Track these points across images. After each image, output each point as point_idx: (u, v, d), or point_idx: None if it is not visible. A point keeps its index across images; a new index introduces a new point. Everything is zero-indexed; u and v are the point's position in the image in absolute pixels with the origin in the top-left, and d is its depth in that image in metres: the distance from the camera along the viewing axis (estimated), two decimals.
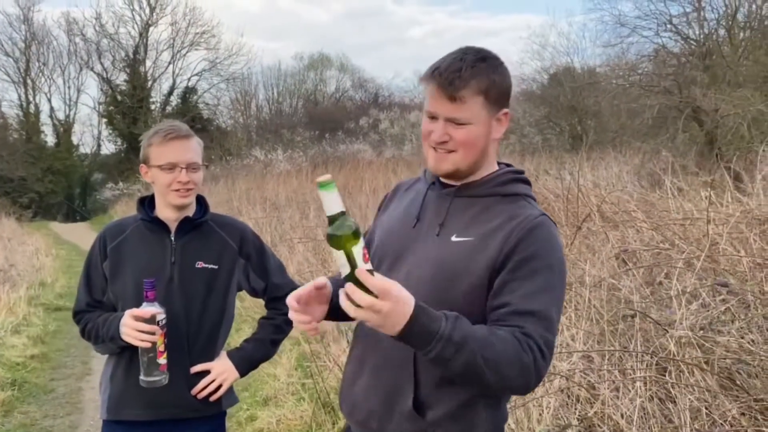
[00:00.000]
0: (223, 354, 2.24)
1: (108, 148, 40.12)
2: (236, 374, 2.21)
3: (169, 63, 39.40)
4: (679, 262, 3.54)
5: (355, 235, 1.31)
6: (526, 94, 26.16)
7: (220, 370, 2.17)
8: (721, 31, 13.66)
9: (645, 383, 2.80)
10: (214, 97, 41.00)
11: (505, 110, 1.56)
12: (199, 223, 2.18)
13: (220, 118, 41.57)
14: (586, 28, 31.05)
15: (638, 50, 14.88)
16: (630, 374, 2.87)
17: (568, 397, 3.07)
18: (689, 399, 2.65)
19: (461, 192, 1.58)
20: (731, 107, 10.52)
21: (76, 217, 34.88)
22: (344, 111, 35.52)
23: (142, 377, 1.99)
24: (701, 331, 2.95)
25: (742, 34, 14.25)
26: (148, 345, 1.94)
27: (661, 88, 12.27)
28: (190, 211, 2.18)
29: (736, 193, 5.17)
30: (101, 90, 39.04)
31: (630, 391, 2.84)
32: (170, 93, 40.05)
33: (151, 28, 38.73)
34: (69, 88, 38.76)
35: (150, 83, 39.01)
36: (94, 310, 2.15)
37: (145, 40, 38.60)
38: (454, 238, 1.52)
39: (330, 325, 5.52)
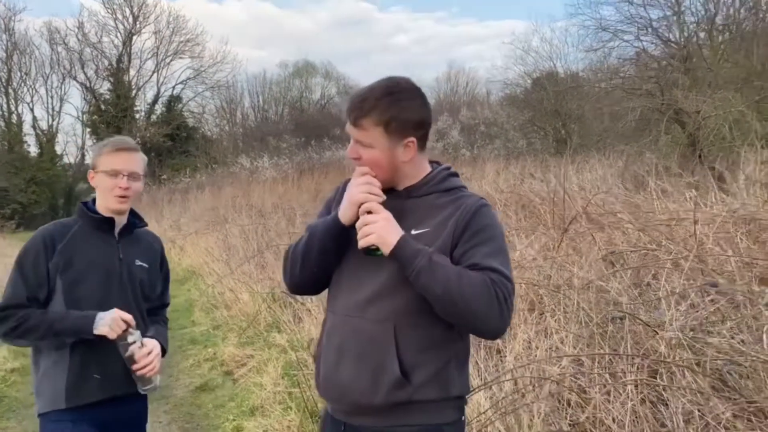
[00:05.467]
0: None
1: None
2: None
3: (154, 71, 39.21)
4: (667, 263, 3.52)
5: None
6: (510, 98, 26.26)
7: (158, 349, 2.38)
8: (701, 34, 13.79)
9: (636, 386, 2.76)
10: (199, 105, 40.85)
11: (411, 138, 1.79)
12: (134, 228, 2.50)
13: (206, 126, 41.40)
14: (569, 33, 31.21)
15: (620, 54, 15.00)
16: (621, 377, 2.83)
17: (559, 402, 3.03)
18: (682, 402, 2.61)
19: (410, 194, 1.85)
20: (712, 109, 10.60)
21: None
22: (330, 118, 35.46)
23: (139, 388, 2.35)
24: (691, 333, 2.93)
25: (720, 38, 14.41)
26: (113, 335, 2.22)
27: (644, 91, 12.34)
28: (125, 219, 2.46)
29: (721, 193, 5.18)
30: (85, 99, 38.78)
31: (621, 394, 2.80)
32: (155, 102, 39.82)
33: (134, 37, 38.53)
34: (52, 97, 38.47)
35: (134, 92, 38.77)
36: (31, 306, 2.28)
37: (128, 49, 38.37)
38: (413, 232, 1.77)
39: (317, 333, 5.45)
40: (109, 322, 2.22)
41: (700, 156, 9.88)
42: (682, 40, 13.88)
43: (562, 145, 20.20)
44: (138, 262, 2.44)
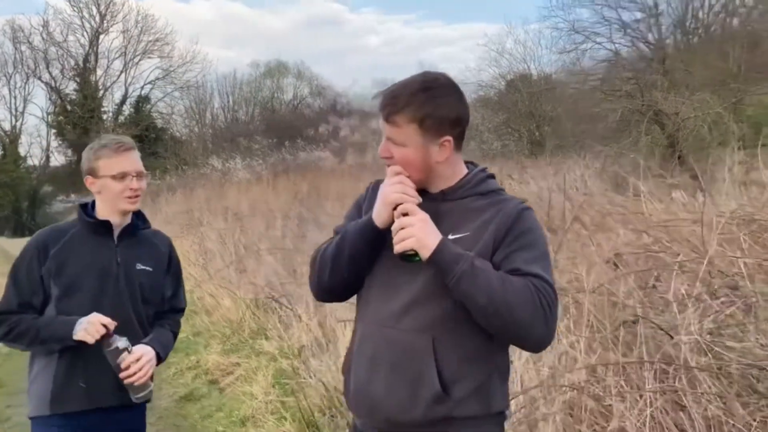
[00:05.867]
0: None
1: (58, 159, 38.76)
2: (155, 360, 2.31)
3: (121, 71, 38.48)
4: (676, 264, 3.47)
5: None
6: (484, 100, 26.36)
7: (151, 355, 2.26)
8: (679, 36, 14.03)
9: (657, 393, 2.68)
10: (168, 105, 40.23)
11: (447, 137, 1.67)
12: (138, 230, 2.39)
13: (174, 127, 40.75)
14: (542, 35, 31.54)
15: (592, 56, 15.17)
16: (641, 385, 2.75)
17: (573, 409, 2.94)
18: (706, 408, 2.55)
19: (445, 197, 1.73)
20: (691, 110, 10.73)
21: (25, 232, 33.49)
22: (303, 118, 35.21)
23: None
24: (709, 336, 2.86)
25: (690, 41, 14.69)
26: (91, 339, 2.11)
27: (623, 93, 12.45)
28: (128, 220, 2.37)
29: (714, 194, 5.19)
30: (50, 99, 37.86)
31: (639, 401, 2.72)
32: (123, 102, 39.10)
33: (101, 36, 37.79)
34: (15, 97, 37.51)
35: (101, 92, 37.98)
36: (24, 312, 2.25)
37: (95, 48, 37.62)
38: (451, 236, 1.66)
39: (308, 340, 5.30)
40: (85, 326, 2.13)
41: (679, 157, 9.98)
42: (656, 41, 14.08)
43: (537, 147, 20.35)
44: (139, 266, 2.34)
